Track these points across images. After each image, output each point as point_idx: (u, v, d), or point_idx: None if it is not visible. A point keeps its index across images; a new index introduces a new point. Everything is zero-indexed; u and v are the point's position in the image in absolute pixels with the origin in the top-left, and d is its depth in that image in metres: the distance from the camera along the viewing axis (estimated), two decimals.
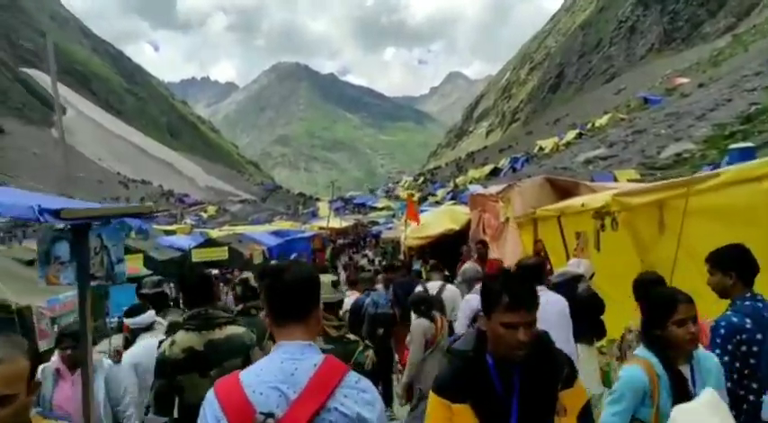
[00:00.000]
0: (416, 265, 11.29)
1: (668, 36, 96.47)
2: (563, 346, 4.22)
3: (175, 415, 3.28)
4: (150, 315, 4.70)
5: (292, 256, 24.67)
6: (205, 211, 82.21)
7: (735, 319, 3.07)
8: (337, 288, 3.72)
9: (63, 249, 3.02)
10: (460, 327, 5.13)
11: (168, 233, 36.54)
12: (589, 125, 56.81)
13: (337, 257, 26.74)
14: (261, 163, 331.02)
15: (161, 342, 3.49)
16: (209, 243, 21.23)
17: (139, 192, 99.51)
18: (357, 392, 1.74)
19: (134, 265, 18.33)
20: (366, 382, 1.80)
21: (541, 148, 57.23)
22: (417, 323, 5.50)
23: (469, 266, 5.12)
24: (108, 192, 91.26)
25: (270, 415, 1.61)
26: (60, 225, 2.94)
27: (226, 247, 20.01)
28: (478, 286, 5.06)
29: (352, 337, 3.45)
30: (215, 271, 17.00)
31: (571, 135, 54.46)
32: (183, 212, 79.76)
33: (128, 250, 19.54)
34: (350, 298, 7.44)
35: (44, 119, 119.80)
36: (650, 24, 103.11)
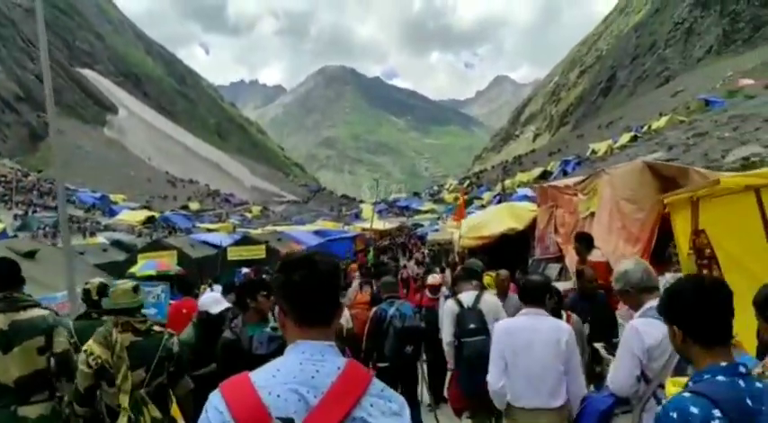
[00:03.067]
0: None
1: (728, 37, 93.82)
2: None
3: None
4: None
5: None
6: (250, 212, 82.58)
7: None
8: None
9: None
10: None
11: (211, 232, 36.20)
12: (645, 128, 54.96)
13: (380, 259, 25.72)
14: (306, 165, 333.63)
15: None
16: (246, 241, 20.51)
17: (186, 191, 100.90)
18: (384, 402, 1.50)
19: (168, 262, 17.73)
20: (391, 391, 1.55)
21: (594, 152, 55.51)
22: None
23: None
24: (156, 190, 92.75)
25: (288, 421, 1.39)
26: None
27: (263, 246, 19.36)
28: None
29: (157, 328, 3.66)
30: (246, 270, 16.01)
31: (626, 138, 52.68)
32: (228, 212, 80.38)
33: (161, 246, 19.06)
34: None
35: (97, 118, 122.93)
36: (708, 26, 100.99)
